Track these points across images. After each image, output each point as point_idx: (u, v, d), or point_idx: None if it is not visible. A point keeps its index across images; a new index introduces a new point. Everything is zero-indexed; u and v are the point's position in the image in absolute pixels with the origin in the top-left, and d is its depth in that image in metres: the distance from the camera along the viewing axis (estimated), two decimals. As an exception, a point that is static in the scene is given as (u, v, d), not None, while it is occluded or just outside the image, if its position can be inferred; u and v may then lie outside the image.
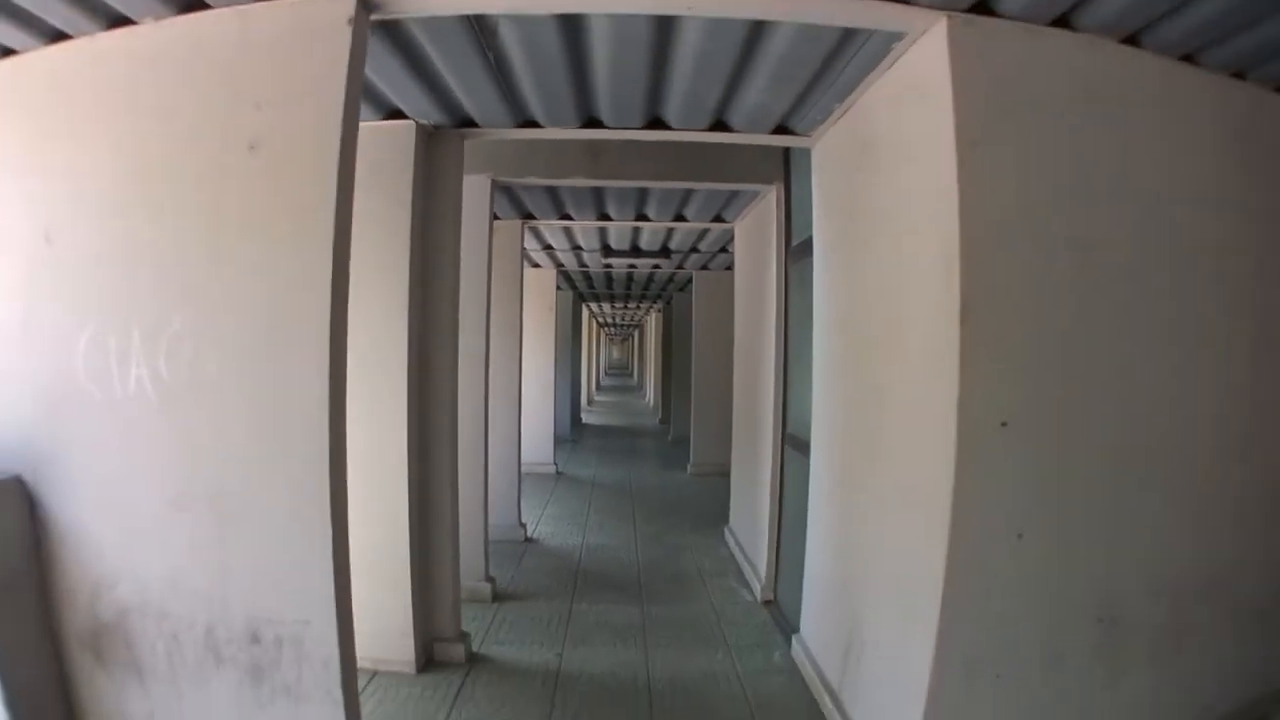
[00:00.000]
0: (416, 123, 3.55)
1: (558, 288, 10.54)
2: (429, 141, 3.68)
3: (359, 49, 2.29)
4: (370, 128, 3.30)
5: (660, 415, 15.84)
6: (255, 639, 2.37)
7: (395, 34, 2.71)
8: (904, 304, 2.76)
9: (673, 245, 7.91)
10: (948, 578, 2.37)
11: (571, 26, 2.65)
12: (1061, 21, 2.42)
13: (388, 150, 3.44)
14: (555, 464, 9.51)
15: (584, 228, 6.79)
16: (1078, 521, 2.52)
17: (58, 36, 2.56)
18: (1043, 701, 2.55)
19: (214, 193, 2.31)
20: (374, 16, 2.36)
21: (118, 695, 2.53)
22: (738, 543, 5.90)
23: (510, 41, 2.73)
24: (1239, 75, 2.75)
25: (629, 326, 25.63)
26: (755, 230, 5.56)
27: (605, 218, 6.21)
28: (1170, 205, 2.63)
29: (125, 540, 2.46)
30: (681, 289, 12.25)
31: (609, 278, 11.13)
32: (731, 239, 6.64)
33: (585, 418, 16.35)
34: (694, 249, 8.13)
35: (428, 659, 3.77)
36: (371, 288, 3.34)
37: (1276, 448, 2.91)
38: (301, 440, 2.29)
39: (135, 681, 2.51)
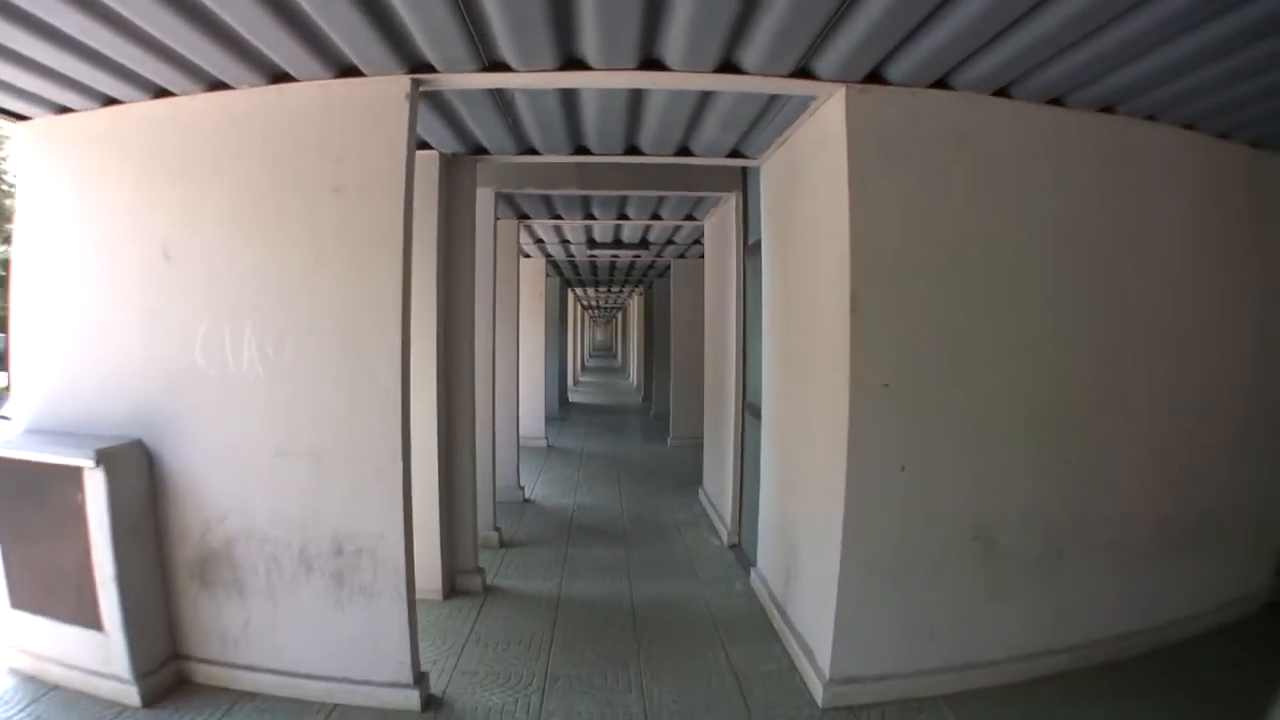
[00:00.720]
0: (440, 152, 4.24)
1: (546, 275, 11.02)
2: (449, 167, 4.37)
3: (414, 117, 2.97)
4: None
5: (643, 394, 16.13)
6: (339, 551, 3.09)
7: (435, 98, 3.43)
8: (818, 295, 3.41)
9: (651, 238, 8.37)
10: (847, 500, 3.06)
11: (568, 94, 3.37)
12: (941, 83, 2.96)
13: (417, 176, 3.95)
14: (546, 438, 10.15)
15: (572, 226, 7.34)
16: (950, 460, 3.17)
17: (160, 93, 3.15)
18: (932, 599, 3.19)
19: (311, 224, 3.00)
20: (422, 89, 3.04)
21: (218, 611, 3.21)
22: (709, 499, 6.54)
23: (522, 104, 3.46)
24: (1108, 109, 3.20)
25: (612, 309, 25.77)
26: (720, 228, 6.13)
27: (591, 217, 6.77)
28: (1042, 221, 3.20)
29: (236, 484, 3.14)
30: (661, 275, 12.49)
31: (593, 266, 11.60)
32: (703, 234, 7.17)
33: (572, 397, 16.78)
34: (670, 241, 8.61)
35: (451, 588, 4.49)
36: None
37: (1144, 412, 3.46)
38: (380, 405, 3.00)
39: (235, 596, 3.19)
